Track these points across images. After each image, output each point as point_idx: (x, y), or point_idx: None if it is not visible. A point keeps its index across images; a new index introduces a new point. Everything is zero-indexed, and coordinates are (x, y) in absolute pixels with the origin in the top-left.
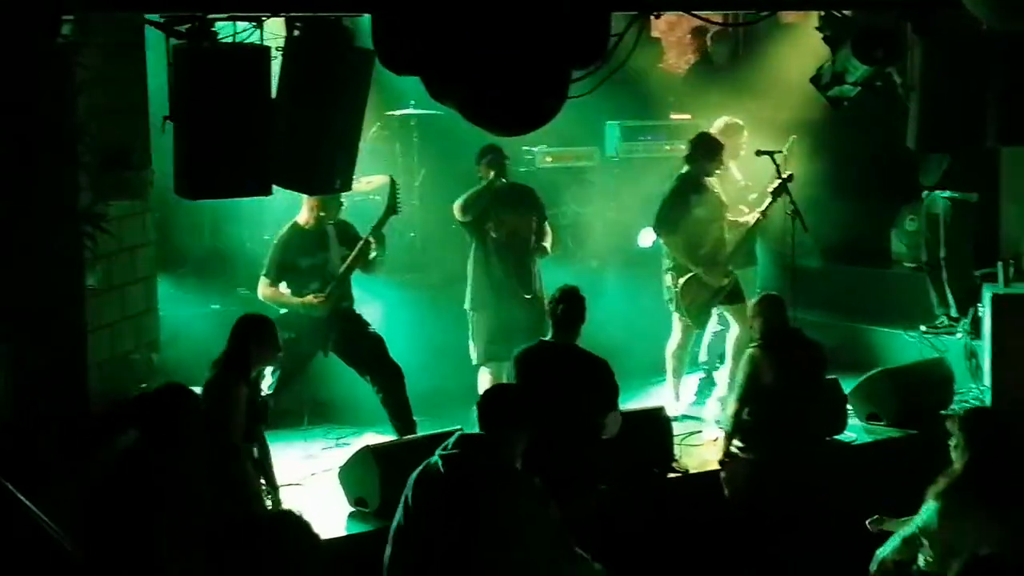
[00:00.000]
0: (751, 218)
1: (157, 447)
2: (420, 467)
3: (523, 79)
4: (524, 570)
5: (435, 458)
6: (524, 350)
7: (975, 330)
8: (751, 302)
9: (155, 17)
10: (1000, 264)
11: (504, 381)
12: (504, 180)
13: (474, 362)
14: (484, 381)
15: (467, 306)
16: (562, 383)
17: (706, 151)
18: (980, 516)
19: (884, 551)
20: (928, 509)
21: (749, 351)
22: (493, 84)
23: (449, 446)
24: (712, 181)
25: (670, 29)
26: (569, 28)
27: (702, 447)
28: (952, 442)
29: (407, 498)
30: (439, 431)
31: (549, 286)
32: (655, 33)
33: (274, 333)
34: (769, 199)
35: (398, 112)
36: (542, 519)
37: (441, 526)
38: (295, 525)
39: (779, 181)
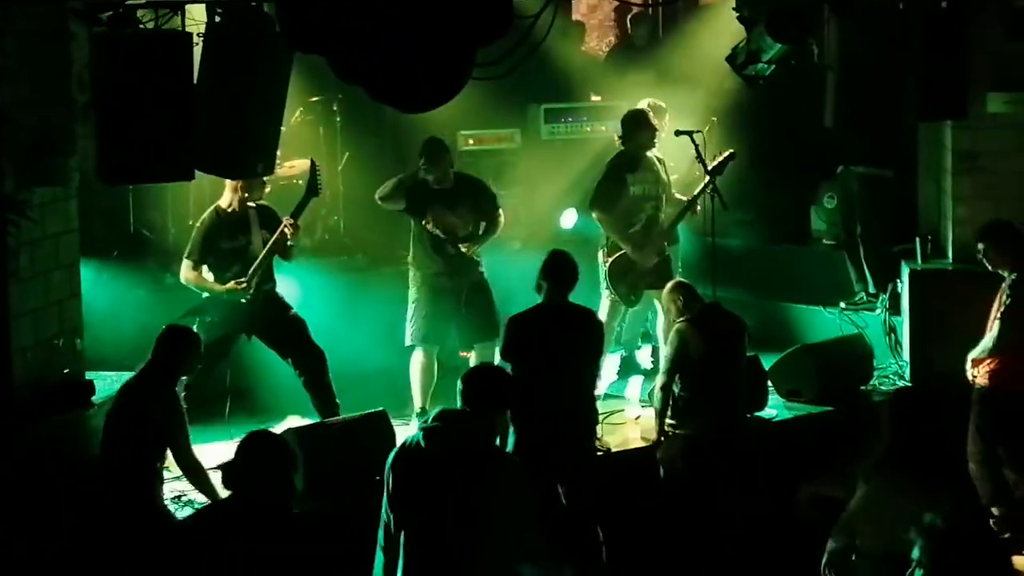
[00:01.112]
0: (691, 195)
1: (159, 383)
2: (396, 448)
3: (426, 56)
4: (494, 554)
5: (415, 436)
6: (522, 314)
7: (894, 306)
8: (663, 292)
9: (78, 5)
10: (918, 240)
11: (435, 364)
12: (438, 175)
13: (407, 343)
14: (416, 362)
15: (410, 288)
16: (561, 341)
17: (637, 125)
18: (908, 497)
19: (830, 545)
20: (859, 491)
21: (676, 326)
22: (396, 62)
23: (430, 420)
24: (654, 159)
25: (591, 12)
26: (473, 4)
27: (624, 426)
28: (881, 423)
29: (388, 483)
30: (362, 413)
31: None
32: (576, 16)
33: (199, 343)
34: (707, 178)
35: (321, 97)
36: (518, 505)
37: (423, 500)
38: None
39: (723, 157)
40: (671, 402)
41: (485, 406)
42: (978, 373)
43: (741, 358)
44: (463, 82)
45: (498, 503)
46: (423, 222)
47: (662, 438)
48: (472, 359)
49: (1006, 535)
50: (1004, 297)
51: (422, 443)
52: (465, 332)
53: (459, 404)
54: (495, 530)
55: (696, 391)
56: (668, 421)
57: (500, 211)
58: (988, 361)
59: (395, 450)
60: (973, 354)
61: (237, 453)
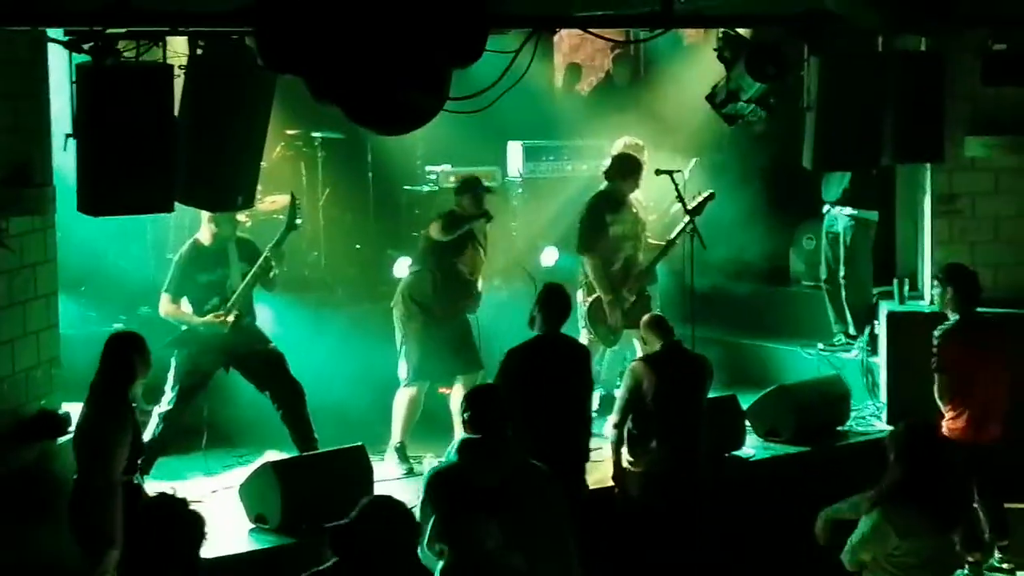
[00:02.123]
0: (669, 238)
1: (105, 392)
2: (435, 475)
3: (401, 78)
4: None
5: (450, 461)
6: (519, 347)
7: (871, 347)
8: (646, 322)
9: (59, 35)
10: (896, 282)
11: (422, 400)
12: (486, 216)
13: (404, 381)
14: (404, 397)
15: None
16: (559, 372)
17: (624, 170)
18: (915, 530)
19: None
20: (868, 518)
21: (631, 364)
22: (371, 83)
23: (456, 452)
24: (632, 199)
25: (573, 51)
26: (446, 28)
27: (601, 463)
28: (889, 455)
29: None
30: (340, 447)
31: None
32: (559, 56)
33: (147, 348)
34: (687, 218)
35: (303, 132)
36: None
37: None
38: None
39: (702, 197)
40: (626, 439)
41: (504, 423)
42: (943, 426)
43: (698, 397)
44: (438, 106)
45: (545, 514)
46: (455, 259)
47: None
48: (454, 392)
49: None
50: (932, 348)
51: (468, 470)
52: (451, 365)
53: (462, 431)
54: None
55: (649, 429)
56: (627, 458)
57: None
58: (945, 412)
59: (435, 477)
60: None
61: (357, 518)
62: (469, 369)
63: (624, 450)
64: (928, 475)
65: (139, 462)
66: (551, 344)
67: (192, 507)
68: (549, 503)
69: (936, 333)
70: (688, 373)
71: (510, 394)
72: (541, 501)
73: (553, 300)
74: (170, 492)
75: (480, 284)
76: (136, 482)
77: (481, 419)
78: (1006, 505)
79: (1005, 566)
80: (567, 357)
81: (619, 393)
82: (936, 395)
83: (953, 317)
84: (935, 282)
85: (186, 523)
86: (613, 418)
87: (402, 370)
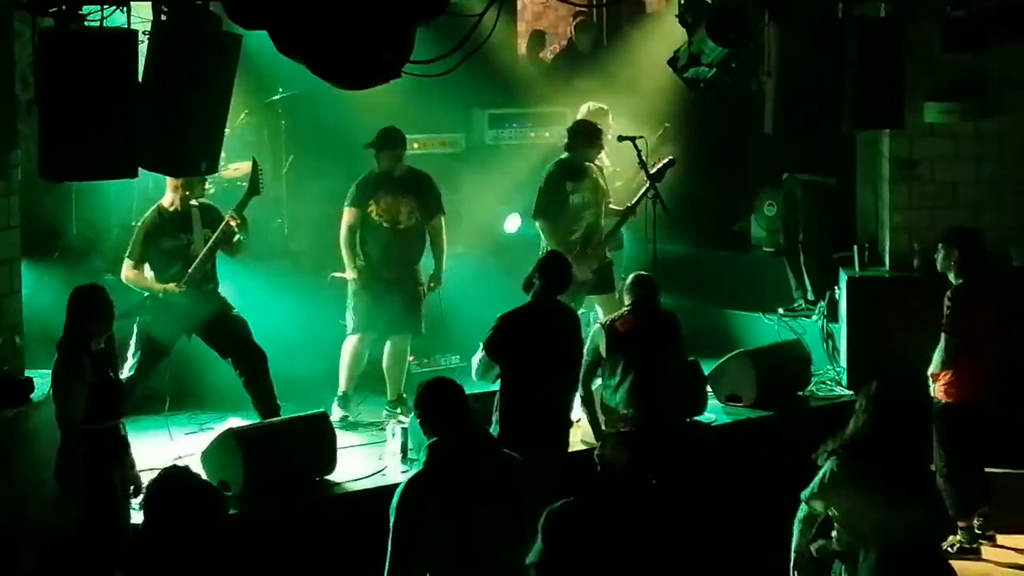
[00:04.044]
0: (628, 204)
1: (67, 346)
2: (408, 486)
3: (364, 32)
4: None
5: (419, 470)
6: (514, 312)
7: (831, 313)
8: (626, 281)
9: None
10: (855, 247)
11: (366, 352)
12: (387, 163)
13: (348, 331)
14: (347, 347)
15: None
16: (553, 338)
17: (584, 138)
18: (873, 492)
19: (793, 542)
20: (821, 475)
21: (593, 327)
22: (335, 37)
23: (425, 455)
24: (592, 167)
25: (536, 19)
26: None
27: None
28: (857, 409)
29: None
30: (302, 414)
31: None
32: (521, 23)
33: (108, 300)
34: (648, 184)
35: (266, 99)
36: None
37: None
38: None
39: (662, 164)
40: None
41: (467, 416)
42: (936, 387)
43: (665, 356)
44: (402, 62)
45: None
46: (368, 208)
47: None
48: (387, 352)
49: (967, 546)
50: (944, 309)
51: (444, 473)
52: (387, 323)
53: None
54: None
55: (612, 387)
56: (602, 418)
57: (442, 214)
58: (942, 375)
59: (408, 488)
60: (931, 369)
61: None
62: (403, 329)
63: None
64: (894, 436)
65: (119, 409)
66: (547, 311)
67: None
68: (524, 493)
69: (948, 294)
70: (652, 333)
71: (500, 358)
72: (519, 492)
73: (555, 268)
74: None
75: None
76: (121, 432)
77: (443, 418)
78: (986, 471)
79: (986, 533)
80: (561, 325)
81: (584, 354)
82: (938, 356)
83: (957, 280)
84: (939, 244)
85: (206, 497)
86: (580, 377)
87: (348, 320)
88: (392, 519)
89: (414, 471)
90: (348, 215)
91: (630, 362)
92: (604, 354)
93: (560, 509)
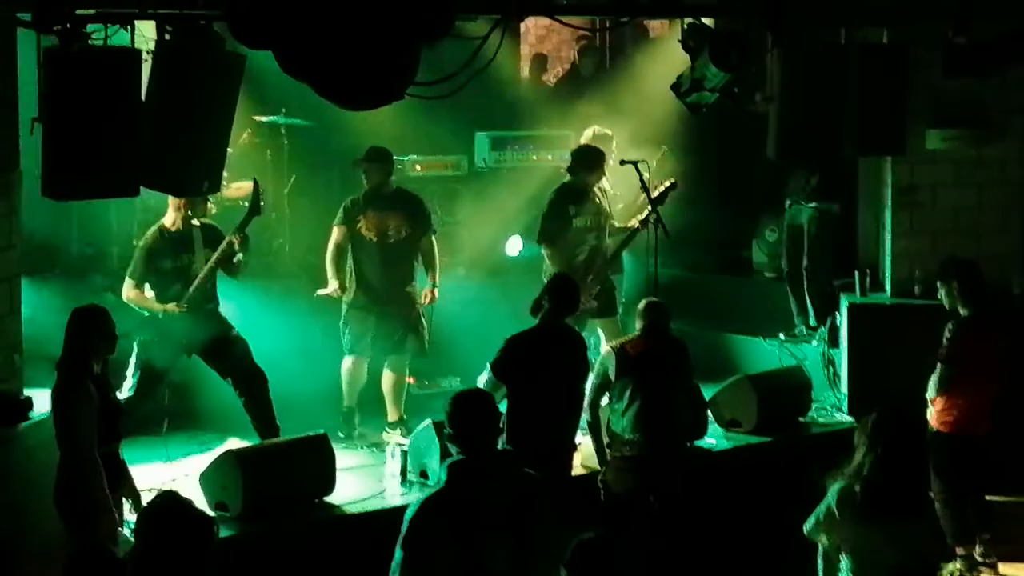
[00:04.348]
0: (631, 224)
1: (67, 367)
2: (424, 503)
3: (369, 53)
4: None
5: (434, 489)
6: (523, 335)
7: (832, 338)
8: (639, 306)
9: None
10: (856, 274)
11: (363, 368)
12: (375, 180)
13: (345, 352)
14: (344, 365)
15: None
16: (560, 361)
17: (587, 162)
18: (877, 524)
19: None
20: (821, 508)
21: (603, 351)
22: (340, 58)
23: (444, 475)
24: (596, 190)
25: (539, 42)
26: (415, 3)
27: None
28: (857, 441)
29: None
30: (302, 435)
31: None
32: (525, 46)
33: (111, 321)
34: (649, 208)
35: (269, 119)
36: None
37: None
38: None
39: (664, 187)
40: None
41: (495, 436)
42: (930, 415)
43: (671, 382)
44: (407, 83)
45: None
46: (356, 225)
47: (603, 461)
48: (385, 374)
49: (967, 574)
50: (944, 339)
51: (463, 494)
52: (380, 343)
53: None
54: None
55: (620, 412)
56: (607, 442)
57: (433, 233)
58: (937, 401)
59: (422, 507)
60: (928, 394)
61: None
62: (395, 350)
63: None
64: (895, 464)
65: (119, 431)
66: (555, 333)
67: (198, 507)
68: (545, 514)
69: (949, 325)
70: (663, 358)
71: (507, 379)
72: (539, 514)
73: (564, 291)
74: (172, 489)
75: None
76: (119, 454)
77: (472, 437)
78: (987, 498)
79: (987, 560)
80: (569, 347)
81: (590, 379)
82: (932, 385)
83: (964, 311)
84: (939, 280)
85: (197, 523)
86: (586, 400)
87: (343, 340)
88: (403, 534)
89: (428, 491)
90: (336, 233)
91: (639, 386)
92: (613, 377)
93: (589, 542)
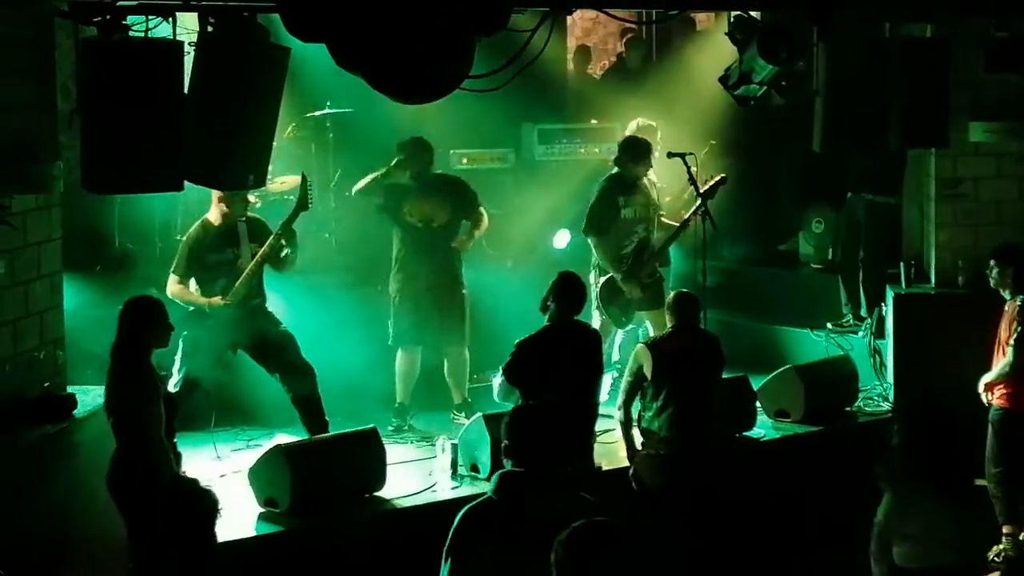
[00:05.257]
0: (681, 216)
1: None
2: (469, 514)
3: (425, 45)
4: None
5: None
6: (531, 338)
7: (878, 329)
8: (668, 299)
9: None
10: (902, 265)
11: (416, 362)
12: (415, 170)
13: (390, 342)
14: (398, 360)
15: (390, 289)
16: (570, 361)
17: (634, 153)
18: (928, 504)
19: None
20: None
21: (637, 347)
22: (395, 51)
23: (496, 487)
24: (645, 182)
25: (586, 35)
26: None
27: (614, 444)
28: (895, 432)
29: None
30: (351, 430)
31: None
32: (571, 39)
33: (165, 311)
34: (699, 200)
35: (314, 113)
36: None
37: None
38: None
39: (714, 181)
40: (636, 420)
41: (553, 452)
42: (993, 396)
43: (708, 378)
44: (462, 76)
45: None
46: (402, 212)
47: (633, 455)
48: (446, 362)
49: (1013, 555)
50: (1015, 324)
51: (510, 506)
52: (436, 334)
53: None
54: None
55: (655, 410)
56: (639, 440)
57: (482, 209)
58: (1003, 384)
59: (466, 516)
60: (987, 378)
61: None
62: (453, 341)
63: (636, 432)
64: (938, 452)
65: (173, 425)
66: (563, 333)
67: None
68: None
69: (1017, 308)
70: (699, 355)
71: (519, 384)
72: None
73: (569, 289)
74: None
75: (455, 241)
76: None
77: (522, 449)
78: None
79: None
80: (579, 345)
81: (625, 375)
82: (1000, 368)
83: (1008, 296)
84: (991, 262)
85: (200, 500)
86: (619, 398)
87: (390, 330)
88: (447, 541)
89: (475, 502)
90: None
91: (676, 388)
92: (649, 376)
93: (584, 527)
